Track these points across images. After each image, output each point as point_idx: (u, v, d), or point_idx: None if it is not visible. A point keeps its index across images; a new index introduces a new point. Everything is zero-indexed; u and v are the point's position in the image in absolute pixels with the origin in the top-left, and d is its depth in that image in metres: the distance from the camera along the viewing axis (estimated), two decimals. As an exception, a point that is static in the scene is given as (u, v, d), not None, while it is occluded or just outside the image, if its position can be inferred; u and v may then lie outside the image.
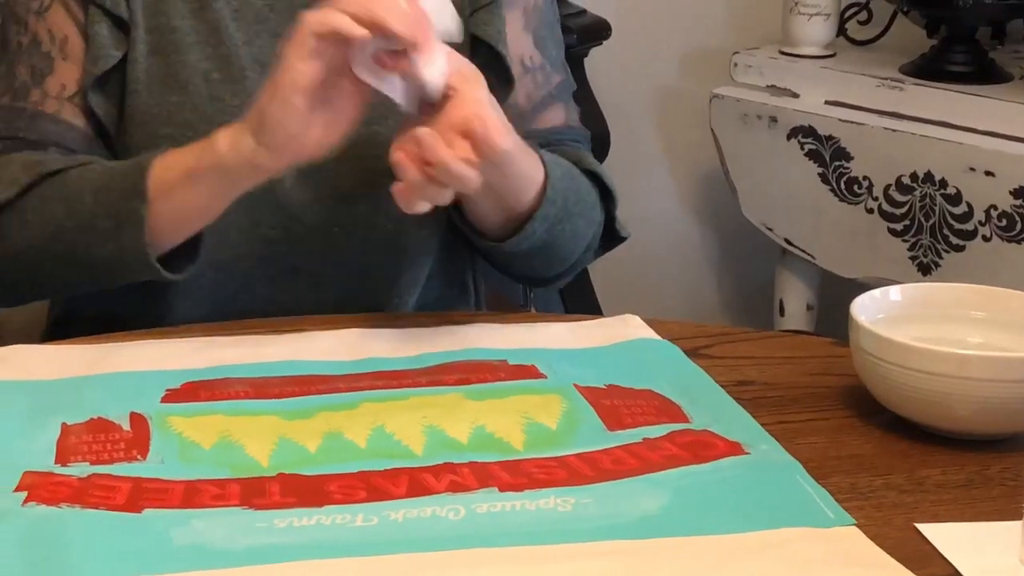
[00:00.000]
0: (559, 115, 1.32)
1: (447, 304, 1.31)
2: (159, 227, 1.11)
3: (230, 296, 1.22)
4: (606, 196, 1.28)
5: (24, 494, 0.87)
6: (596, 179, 1.26)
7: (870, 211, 2.28)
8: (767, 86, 2.40)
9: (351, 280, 1.23)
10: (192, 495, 0.87)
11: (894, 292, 1.07)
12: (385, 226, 1.22)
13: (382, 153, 1.07)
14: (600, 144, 2.50)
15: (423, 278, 1.27)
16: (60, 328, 1.27)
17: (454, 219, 1.22)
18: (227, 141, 1.08)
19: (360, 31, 1.01)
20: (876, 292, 1.06)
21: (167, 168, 1.11)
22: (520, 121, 1.21)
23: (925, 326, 1.03)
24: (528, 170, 1.14)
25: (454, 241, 1.29)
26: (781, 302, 2.54)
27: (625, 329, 1.15)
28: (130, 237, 1.11)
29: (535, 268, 1.25)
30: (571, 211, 1.20)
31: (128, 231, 1.10)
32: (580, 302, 2.53)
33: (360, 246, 1.22)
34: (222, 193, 1.11)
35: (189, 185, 1.10)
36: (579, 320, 1.19)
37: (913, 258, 2.25)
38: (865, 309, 1.02)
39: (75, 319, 1.26)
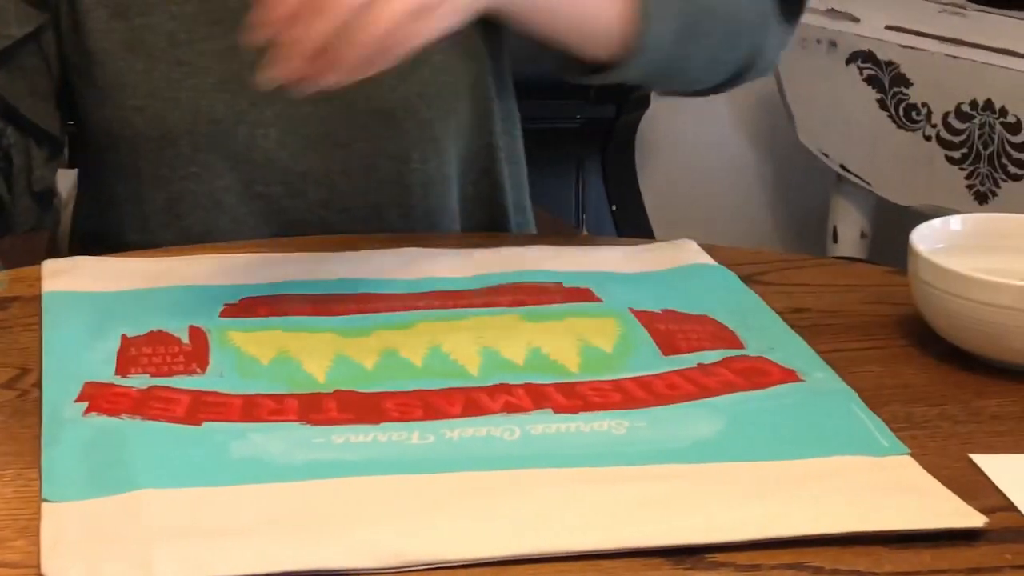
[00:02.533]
0: None
1: (485, 229, 1.27)
2: None
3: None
4: None
5: (85, 404, 0.88)
6: None
7: (928, 138, 2.26)
8: (827, 10, 2.37)
9: (362, 222, 1.21)
10: (250, 409, 0.88)
11: (954, 221, 1.06)
12: (387, 165, 1.19)
13: (372, 94, 1.04)
14: (656, 66, 2.48)
15: (444, 207, 1.23)
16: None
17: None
18: None
19: None
20: (936, 221, 1.05)
21: None
22: None
23: (985, 256, 1.03)
24: None
25: (477, 169, 1.24)
26: (835, 229, 2.53)
27: (681, 254, 1.15)
28: None
29: (701, 59, 1.10)
30: None
31: None
32: (632, 226, 2.52)
33: (364, 187, 1.20)
34: None
35: None
36: (635, 244, 1.18)
37: (970, 187, 2.24)
38: (924, 238, 1.02)
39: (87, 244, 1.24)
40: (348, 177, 1.19)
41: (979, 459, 0.86)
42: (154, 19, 1.14)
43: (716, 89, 1.15)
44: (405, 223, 1.22)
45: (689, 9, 1.06)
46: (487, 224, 1.27)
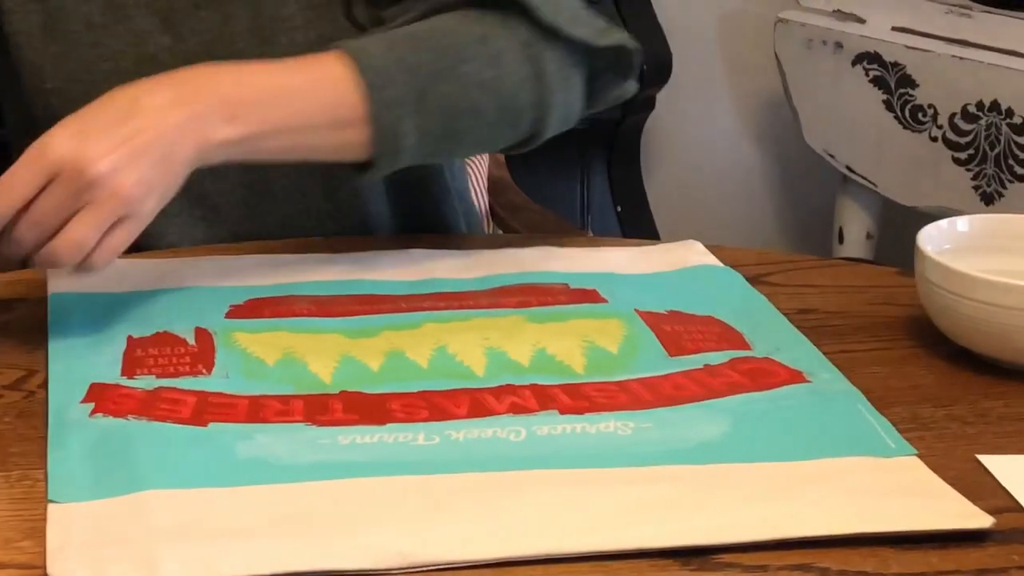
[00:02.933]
0: None
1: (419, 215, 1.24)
2: None
3: (170, 246, 1.17)
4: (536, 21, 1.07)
5: (91, 405, 0.88)
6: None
7: (934, 139, 2.26)
8: (833, 11, 2.37)
9: (288, 204, 1.19)
10: (256, 410, 0.88)
11: (961, 222, 1.06)
12: None
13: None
14: (662, 68, 2.48)
15: (370, 189, 1.19)
16: None
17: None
18: None
19: None
20: (943, 222, 1.05)
21: None
22: None
23: (992, 257, 1.03)
24: (292, 88, 1.00)
25: None
26: (841, 230, 2.53)
27: (687, 255, 1.15)
28: None
29: (471, 143, 1.09)
30: (440, 68, 1.03)
31: None
32: (638, 227, 2.52)
33: (286, 168, 1.16)
34: None
35: None
36: (640, 245, 1.18)
37: (976, 187, 2.23)
38: (931, 239, 1.01)
39: None
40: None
41: (986, 460, 0.85)
42: (69, 1, 1.14)
43: (507, 152, 1.14)
44: (332, 205, 1.20)
45: (439, 116, 1.04)
46: (421, 210, 1.24)
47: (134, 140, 0.93)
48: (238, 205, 1.18)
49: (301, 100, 1.00)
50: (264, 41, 1.12)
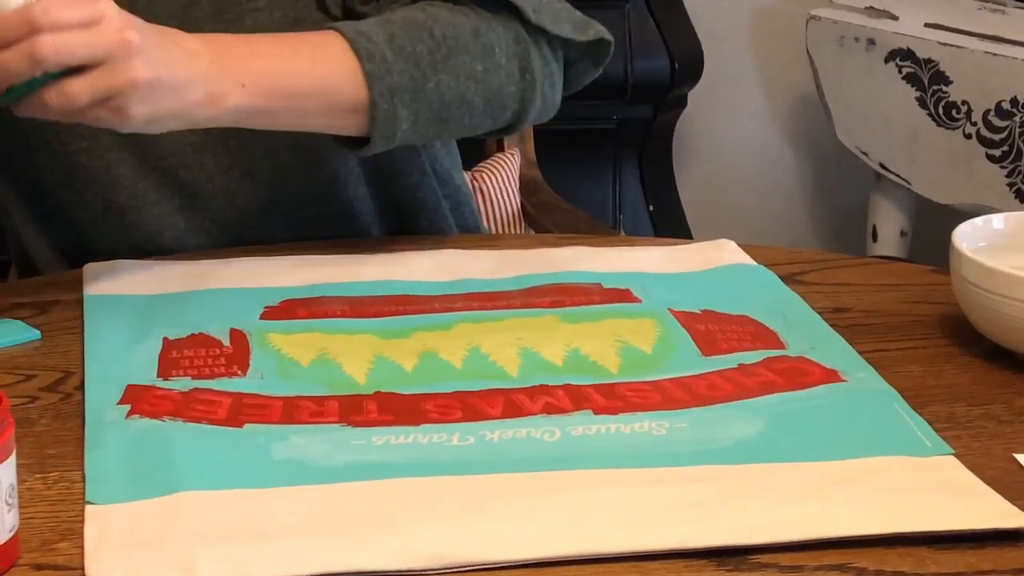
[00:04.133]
0: None
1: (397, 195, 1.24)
2: None
3: (150, 235, 1.18)
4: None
5: (128, 407, 0.89)
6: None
7: (968, 136, 2.25)
8: (865, 8, 2.36)
9: (266, 188, 1.17)
10: (291, 411, 0.89)
11: (997, 220, 1.05)
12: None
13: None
14: (694, 66, 2.48)
15: (348, 170, 1.19)
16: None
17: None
18: None
19: None
20: (978, 220, 1.04)
21: None
22: None
23: (1028, 255, 1.02)
24: (294, 63, 1.02)
25: None
26: (874, 228, 2.52)
27: (721, 254, 1.15)
28: None
29: (456, 130, 1.12)
30: (437, 59, 1.06)
31: None
32: (670, 226, 2.52)
33: (262, 152, 1.17)
34: None
35: None
36: (674, 244, 1.18)
37: (1011, 185, 2.22)
38: (967, 237, 1.01)
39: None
40: (243, 142, 1.17)
41: (1024, 459, 0.85)
42: None
43: (486, 137, 1.18)
44: (312, 189, 1.19)
45: (432, 105, 1.07)
46: (400, 192, 1.23)
47: (167, 63, 0.95)
48: (217, 191, 1.18)
49: (306, 80, 1.03)
50: (229, 24, 1.13)
